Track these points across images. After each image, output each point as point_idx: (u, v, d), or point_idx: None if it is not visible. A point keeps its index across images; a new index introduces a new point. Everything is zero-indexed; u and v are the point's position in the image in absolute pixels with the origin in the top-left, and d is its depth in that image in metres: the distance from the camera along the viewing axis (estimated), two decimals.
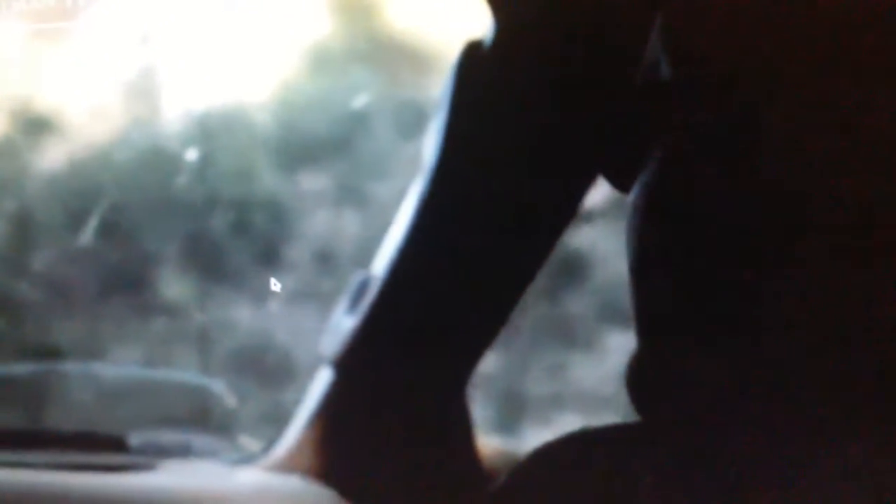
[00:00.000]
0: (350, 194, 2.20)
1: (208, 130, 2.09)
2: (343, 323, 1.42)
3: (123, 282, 2.18)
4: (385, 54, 2.00)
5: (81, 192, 2.12)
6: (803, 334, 0.62)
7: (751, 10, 0.64)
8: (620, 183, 0.72)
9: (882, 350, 0.62)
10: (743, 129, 0.64)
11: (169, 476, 1.48)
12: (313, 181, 2.27)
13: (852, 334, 0.62)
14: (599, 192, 1.29)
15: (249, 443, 1.62)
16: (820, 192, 0.62)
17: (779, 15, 0.64)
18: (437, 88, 1.30)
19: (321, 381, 1.47)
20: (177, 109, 2.09)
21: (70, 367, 1.97)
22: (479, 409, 1.48)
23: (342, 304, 1.44)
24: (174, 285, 2.23)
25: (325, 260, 2.22)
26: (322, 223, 2.27)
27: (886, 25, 0.62)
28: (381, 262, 1.38)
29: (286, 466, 1.49)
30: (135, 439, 1.56)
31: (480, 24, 1.24)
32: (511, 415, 2.22)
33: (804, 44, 0.63)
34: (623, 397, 0.70)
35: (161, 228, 2.18)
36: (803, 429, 0.63)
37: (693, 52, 0.66)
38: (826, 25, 0.63)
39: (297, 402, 1.51)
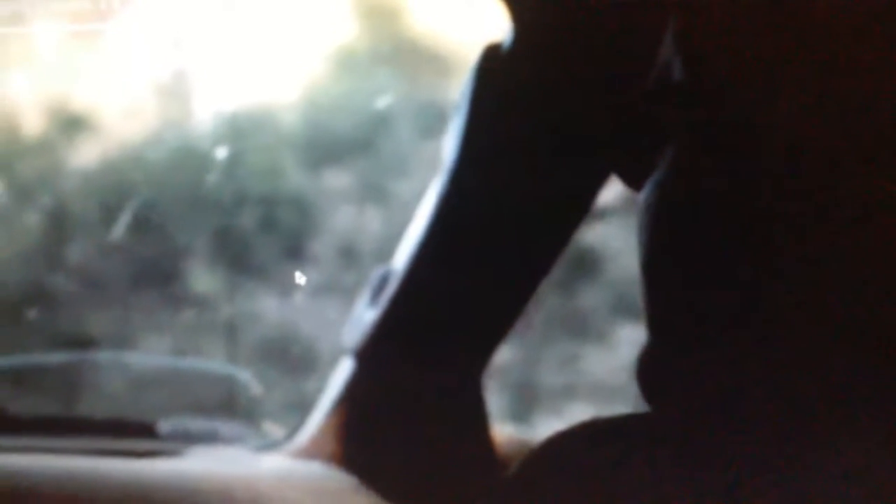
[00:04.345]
0: (372, 191, 2.20)
1: (237, 130, 2.09)
2: (364, 315, 1.42)
3: (154, 275, 2.19)
4: (407, 57, 1.99)
5: (115, 188, 2.13)
6: (807, 332, 0.62)
7: (764, 13, 0.63)
8: (633, 181, 0.72)
9: (882, 350, 0.61)
10: (754, 131, 0.63)
11: (197, 462, 1.48)
12: (337, 179, 2.28)
13: (854, 334, 0.61)
14: (612, 190, 1.29)
15: (274, 430, 1.62)
16: (830, 192, 0.61)
17: (792, 18, 0.63)
18: (457, 90, 1.30)
19: (343, 370, 1.47)
20: (207, 109, 2.09)
21: (102, 356, 1.97)
22: (494, 398, 1.48)
23: (364, 297, 1.44)
24: (203, 278, 2.23)
25: (348, 255, 2.22)
26: (345, 219, 2.27)
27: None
28: (402, 256, 1.38)
29: (309, 453, 1.49)
30: (164, 426, 1.55)
31: (499, 28, 1.24)
32: (524, 404, 2.21)
33: (817, 46, 0.62)
34: (633, 388, 0.70)
35: (191, 224, 2.18)
36: (804, 427, 0.62)
37: (706, 54, 0.66)
38: (839, 28, 0.62)
39: (319, 390, 1.51)
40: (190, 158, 2.12)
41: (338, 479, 1.44)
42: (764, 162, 0.62)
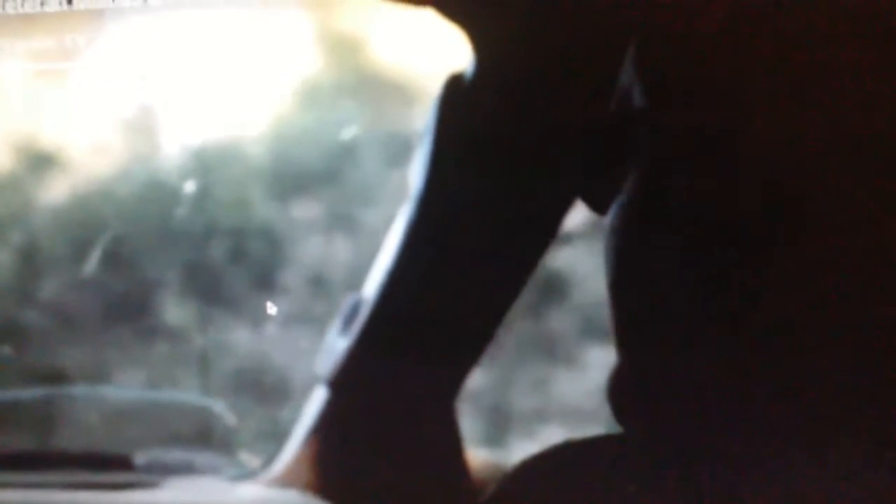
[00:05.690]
0: (341, 221, 2.20)
1: (205, 163, 2.08)
2: (336, 344, 1.42)
3: (126, 308, 2.17)
4: (372, 89, 1.99)
5: (85, 224, 2.12)
6: (781, 346, 0.62)
7: (721, 37, 0.64)
8: (598, 205, 0.72)
9: (882, 350, 0.61)
10: (714, 153, 0.63)
11: (173, 493, 1.48)
12: (306, 209, 2.27)
13: (851, 334, 0.61)
14: (578, 214, 1.29)
15: (249, 459, 1.61)
16: (797, 210, 0.61)
17: (749, 43, 0.63)
18: (422, 120, 1.30)
19: (317, 399, 1.47)
20: (175, 144, 2.09)
21: (76, 390, 1.96)
22: (467, 423, 1.48)
23: (335, 325, 1.43)
24: (175, 311, 2.22)
25: (318, 284, 2.21)
26: (314, 249, 2.26)
27: (857, 48, 0.62)
28: (372, 285, 1.38)
29: (285, 481, 1.48)
30: (140, 458, 1.55)
31: (461, 58, 1.24)
32: (498, 428, 2.21)
33: (774, 71, 0.63)
34: (605, 410, 0.70)
35: (161, 257, 2.17)
36: (797, 434, 0.62)
37: (665, 79, 0.66)
38: (799, 49, 0.62)
39: (294, 419, 1.51)
40: (159, 193, 2.11)
41: None
42: (727, 182, 0.63)
